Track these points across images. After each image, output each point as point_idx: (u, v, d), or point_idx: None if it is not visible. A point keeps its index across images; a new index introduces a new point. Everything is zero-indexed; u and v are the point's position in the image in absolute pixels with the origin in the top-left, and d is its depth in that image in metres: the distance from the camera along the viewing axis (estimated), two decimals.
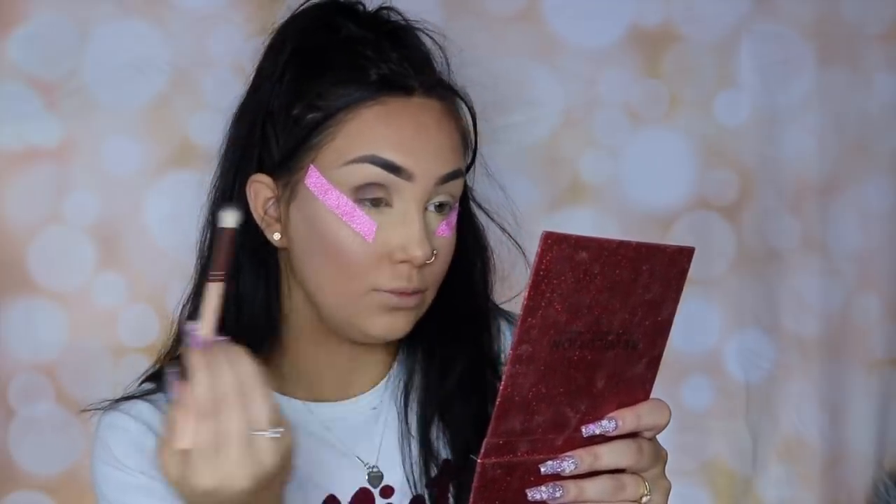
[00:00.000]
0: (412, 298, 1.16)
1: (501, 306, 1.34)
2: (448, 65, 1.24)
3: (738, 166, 1.75)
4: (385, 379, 1.27)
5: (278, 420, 0.97)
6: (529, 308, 0.94)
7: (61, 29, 1.62)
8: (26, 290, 1.62)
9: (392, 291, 1.15)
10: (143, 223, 1.64)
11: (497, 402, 0.96)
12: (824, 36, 1.75)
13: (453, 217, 1.19)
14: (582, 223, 1.70)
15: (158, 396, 1.22)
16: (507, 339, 1.30)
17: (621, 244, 0.96)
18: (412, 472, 1.22)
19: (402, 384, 1.26)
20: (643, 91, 1.72)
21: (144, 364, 1.32)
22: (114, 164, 1.63)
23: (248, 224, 1.20)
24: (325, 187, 1.15)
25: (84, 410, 1.24)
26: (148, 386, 1.24)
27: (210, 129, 1.63)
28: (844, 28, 1.76)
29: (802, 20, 1.74)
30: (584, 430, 1.00)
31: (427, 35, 1.23)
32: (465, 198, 1.26)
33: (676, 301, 1.01)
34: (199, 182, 1.63)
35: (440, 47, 1.24)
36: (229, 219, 0.99)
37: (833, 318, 1.78)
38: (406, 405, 1.25)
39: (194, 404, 0.95)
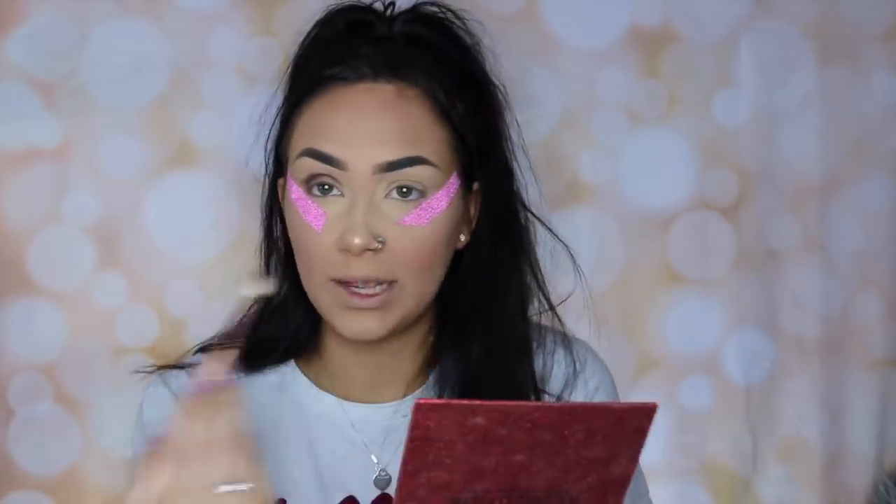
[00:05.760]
0: (374, 299, 1.14)
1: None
2: (481, 56, 1.23)
3: (737, 166, 1.75)
4: (420, 390, 1.25)
5: (253, 475, 0.96)
6: (409, 472, 0.93)
7: (61, 29, 1.62)
8: (25, 290, 1.62)
9: (341, 281, 1.14)
10: (143, 223, 1.64)
11: None
12: (824, 35, 1.75)
13: (429, 206, 1.16)
14: (581, 223, 1.70)
15: None
16: (560, 362, 1.28)
17: (536, 408, 0.94)
18: None
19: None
20: (642, 91, 1.72)
21: (144, 364, 1.33)
22: (113, 164, 1.64)
23: None
24: (290, 183, 1.17)
25: (135, 372, 1.27)
26: (199, 358, 1.24)
27: (210, 129, 1.64)
28: (844, 28, 1.75)
29: (802, 20, 1.74)
30: None
31: (463, 28, 1.22)
32: (494, 197, 1.23)
33: (634, 458, 0.98)
34: (199, 182, 1.65)
35: (472, 44, 1.22)
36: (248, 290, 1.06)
37: (833, 318, 1.78)
38: None
39: (169, 447, 0.96)
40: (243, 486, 0.96)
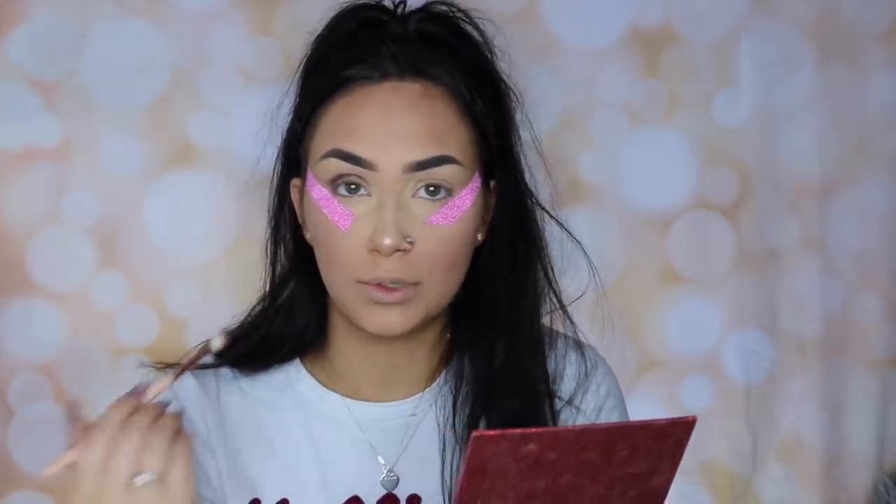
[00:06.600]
0: (397, 294, 1.14)
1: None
2: (491, 54, 1.23)
3: (737, 166, 1.75)
4: (430, 388, 1.25)
5: (179, 477, 1.02)
6: (465, 501, 0.95)
7: (61, 29, 1.62)
8: (25, 290, 1.62)
9: (371, 283, 1.14)
10: (143, 223, 1.64)
11: None
12: (824, 36, 1.75)
13: (455, 204, 1.16)
14: (581, 223, 1.70)
15: (208, 372, 1.23)
16: (572, 364, 1.28)
17: (585, 430, 0.95)
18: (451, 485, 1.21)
19: (449, 397, 1.24)
20: (642, 91, 1.72)
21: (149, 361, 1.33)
22: (113, 164, 1.64)
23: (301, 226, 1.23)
24: (312, 183, 1.16)
25: (140, 366, 1.28)
26: (206, 357, 1.25)
27: (210, 129, 1.64)
28: (844, 28, 1.75)
29: (802, 19, 1.74)
30: None
31: (473, 27, 1.22)
32: (510, 195, 1.23)
33: (672, 470, 1.00)
34: (199, 182, 1.65)
35: (482, 42, 1.22)
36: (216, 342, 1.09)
37: (833, 318, 1.78)
38: (454, 416, 1.23)
39: (96, 429, 1.03)
40: (144, 477, 1.01)
